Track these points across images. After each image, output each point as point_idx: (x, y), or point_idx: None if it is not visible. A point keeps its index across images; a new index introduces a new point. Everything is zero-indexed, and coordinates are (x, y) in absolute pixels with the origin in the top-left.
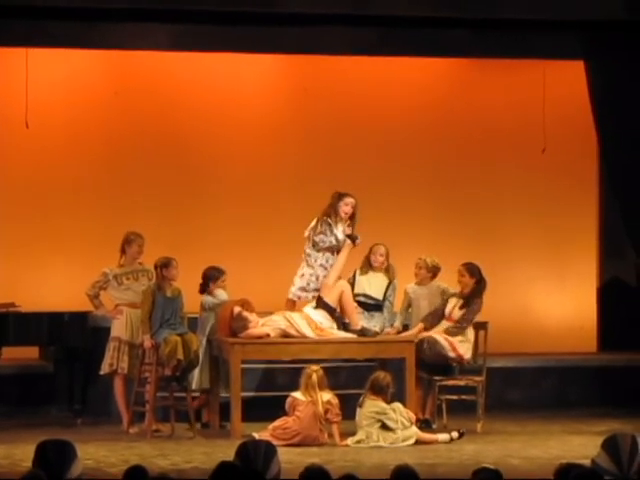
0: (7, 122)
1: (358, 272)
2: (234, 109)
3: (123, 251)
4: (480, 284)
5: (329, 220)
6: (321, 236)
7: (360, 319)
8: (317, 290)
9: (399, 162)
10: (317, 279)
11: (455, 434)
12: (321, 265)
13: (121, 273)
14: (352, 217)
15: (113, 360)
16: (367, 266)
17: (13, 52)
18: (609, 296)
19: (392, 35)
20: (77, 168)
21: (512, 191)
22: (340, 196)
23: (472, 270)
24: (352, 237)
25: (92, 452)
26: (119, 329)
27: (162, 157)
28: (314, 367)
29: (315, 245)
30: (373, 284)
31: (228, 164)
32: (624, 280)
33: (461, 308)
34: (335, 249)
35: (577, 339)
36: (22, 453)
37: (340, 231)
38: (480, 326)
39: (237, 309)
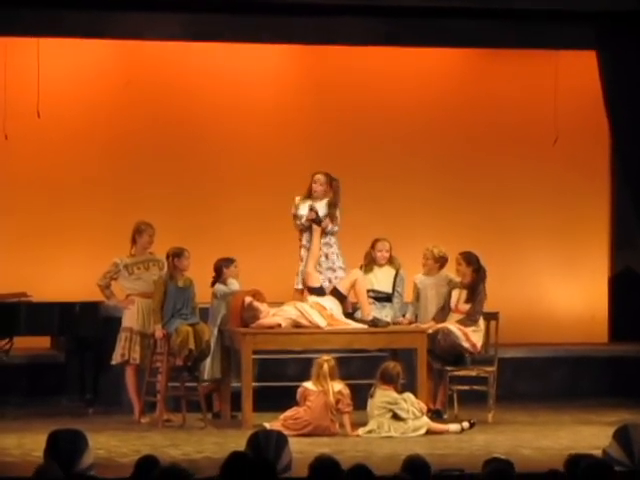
0: (19, 112)
1: (363, 270)
2: (245, 100)
3: (134, 241)
4: (479, 273)
5: (296, 201)
6: (295, 219)
7: (372, 310)
8: (330, 269)
9: (409, 153)
10: (327, 257)
11: (466, 424)
12: (304, 247)
13: (132, 263)
14: (334, 195)
15: (125, 350)
16: (371, 263)
17: (25, 42)
18: (620, 286)
19: (403, 25)
20: (89, 158)
21: (523, 182)
22: (312, 174)
23: (469, 259)
24: (316, 220)
25: (103, 442)
26: (130, 319)
27: (172, 147)
28: (326, 357)
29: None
30: (380, 279)
31: (238, 154)
32: (636, 270)
33: (467, 301)
34: (304, 229)
35: (588, 329)
36: (33, 443)
37: (302, 208)
38: (491, 316)
39: (248, 299)
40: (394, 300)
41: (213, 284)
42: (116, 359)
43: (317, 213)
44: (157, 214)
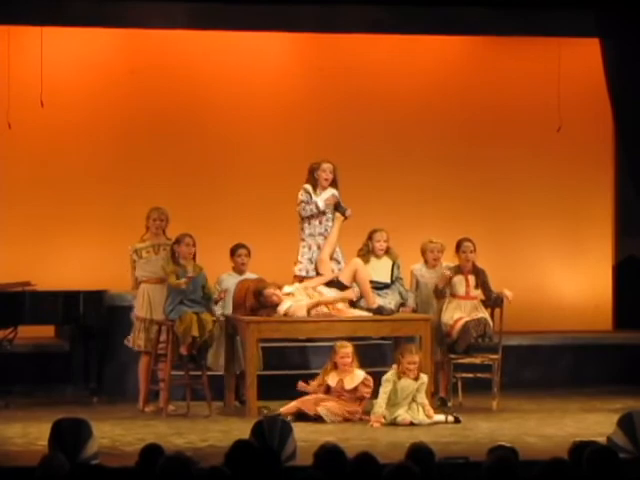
0: (22, 101)
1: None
2: (250, 88)
3: (147, 227)
4: None
5: (308, 188)
6: (302, 205)
7: (376, 297)
8: (334, 260)
9: (413, 141)
10: (309, 249)
11: (451, 418)
12: (310, 235)
13: (142, 247)
14: (333, 183)
15: (140, 340)
16: (368, 254)
17: (28, 31)
18: (624, 274)
19: (407, 13)
20: (93, 147)
21: (527, 169)
22: (317, 164)
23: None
24: (341, 210)
25: (108, 431)
26: (139, 308)
27: (176, 136)
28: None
29: (301, 217)
30: (378, 270)
31: (243, 142)
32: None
33: (479, 286)
34: (319, 217)
35: (593, 317)
36: (38, 432)
37: (321, 199)
38: (496, 304)
39: (269, 291)
40: (395, 289)
41: None
42: (136, 345)
43: (339, 202)
44: (162, 203)
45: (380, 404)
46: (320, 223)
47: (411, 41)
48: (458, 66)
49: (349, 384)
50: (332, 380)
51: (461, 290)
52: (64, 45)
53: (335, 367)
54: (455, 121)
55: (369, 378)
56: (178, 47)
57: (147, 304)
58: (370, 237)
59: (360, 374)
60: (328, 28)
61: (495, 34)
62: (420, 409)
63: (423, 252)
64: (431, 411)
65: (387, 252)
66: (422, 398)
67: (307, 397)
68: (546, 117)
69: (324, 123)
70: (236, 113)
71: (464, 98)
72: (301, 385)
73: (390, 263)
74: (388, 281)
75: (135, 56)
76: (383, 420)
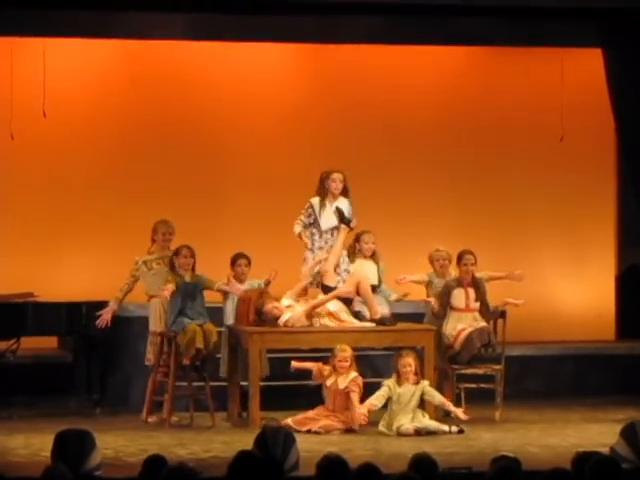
0: (25, 112)
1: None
2: (252, 98)
3: (153, 240)
4: None
5: (314, 204)
6: (298, 222)
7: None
8: (346, 270)
9: (416, 150)
10: (304, 261)
11: (455, 428)
12: (310, 250)
13: (151, 259)
14: (345, 193)
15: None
16: (354, 255)
17: (31, 42)
18: (628, 284)
19: (409, 23)
20: (95, 157)
21: (529, 179)
22: (327, 174)
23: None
24: (346, 220)
25: (111, 442)
26: (153, 323)
27: (179, 147)
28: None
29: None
30: (365, 271)
31: (245, 152)
32: None
33: (478, 299)
34: (318, 231)
35: (595, 327)
36: (41, 443)
37: (328, 208)
38: (498, 315)
39: (269, 307)
40: (380, 294)
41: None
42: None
43: (343, 213)
44: (164, 212)
45: (373, 399)
46: (320, 237)
47: (414, 51)
48: (461, 76)
49: (342, 383)
50: (329, 381)
51: (461, 303)
52: (66, 56)
53: (334, 369)
54: (458, 130)
55: (359, 377)
56: (180, 57)
57: (160, 318)
58: (358, 239)
59: (352, 374)
60: (329, 39)
61: (498, 44)
62: (425, 415)
63: (431, 261)
64: (449, 405)
65: (373, 255)
66: (433, 397)
67: (299, 416)
68: (549, 127)
69: (326, 133)
70: (238, 123)
71: (467, 108)
72: (295, 364)
73: (376, 267)
74: (376, 282)
75: (137, 67)
76: (367, 413)
